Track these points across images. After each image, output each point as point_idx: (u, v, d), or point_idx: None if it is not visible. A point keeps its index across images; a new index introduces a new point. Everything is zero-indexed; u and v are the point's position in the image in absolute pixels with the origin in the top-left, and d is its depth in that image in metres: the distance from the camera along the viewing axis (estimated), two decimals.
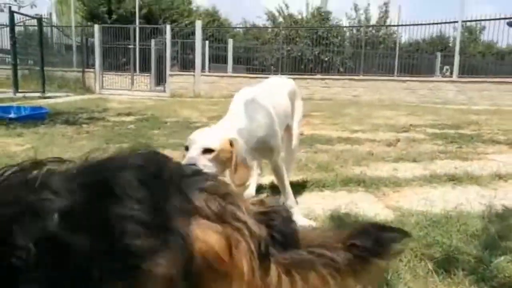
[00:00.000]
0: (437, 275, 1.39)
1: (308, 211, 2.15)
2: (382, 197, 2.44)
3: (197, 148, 1.64)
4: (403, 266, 1.45)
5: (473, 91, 11.86)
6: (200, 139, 1.67)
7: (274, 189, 2.59)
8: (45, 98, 10.43)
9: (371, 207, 2.23)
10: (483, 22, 20.58)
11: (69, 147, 3.97)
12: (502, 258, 1.47)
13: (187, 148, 1.67)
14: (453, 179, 2.80)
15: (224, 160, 1.66)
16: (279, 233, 0.65)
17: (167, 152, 3.89)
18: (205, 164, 1.59)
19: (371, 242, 0.69)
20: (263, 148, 1.88)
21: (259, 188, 2.59)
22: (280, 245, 0.64)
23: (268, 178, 2.83)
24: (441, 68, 18.49)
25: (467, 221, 1.86)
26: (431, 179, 2.81)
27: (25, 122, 5.48)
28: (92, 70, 15.02)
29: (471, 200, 2.33)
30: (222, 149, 1.66)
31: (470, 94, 11.86)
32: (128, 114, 7.26)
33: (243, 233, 0.60)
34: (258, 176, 2.62)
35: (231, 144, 1.69)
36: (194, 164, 1.53)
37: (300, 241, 0.68)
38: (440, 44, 23.28)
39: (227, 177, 1.78)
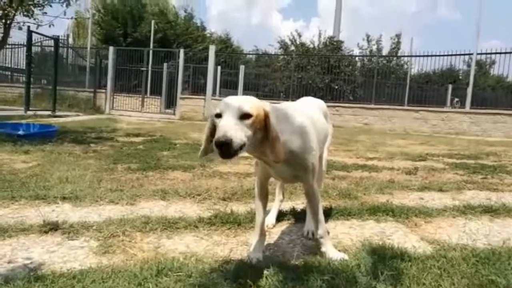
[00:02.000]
0: None
1: (335, 242, 1.94)
2: (415, 228, 2.21)
3: (235, 113, 1.40)
4: None
5: (487, 122, 11.66)
6: (236, 102, 1.43)
7: (296, 216, 2.39)
8: (55, 116, 10.40)
9: (405, 239, 2.01)
10: (493, 57, 20.64)
11: (76, 165, 3.81)
12: None
13: (218, 115, 1.44)
14: (490, 211, 2.57)
15: (256, 129, 1.45)
16: None
17: (177, 173, 3.74)
18: (246, 131, 1.39)
19: None
20: (296, 163, 1.65)
21: (280, 215, 2.38)
22: None
23: (289, 204, 2.62)
24: (452, 100, 18.39)
25: None
26: (465, 210, 2.58)
27: (33, 139, 5.35)
28: (103, 91, 15.10)
29: None
30: (258, 114, 1.45)
31: (484, 125, 11.67)
32: (137, 135, 7.14)
33: None
34: (280, 202, 2.41)
35: (265, 114, 1.48)
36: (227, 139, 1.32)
37: None
38: (450, 77, 23.33)
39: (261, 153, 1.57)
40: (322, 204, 2.57)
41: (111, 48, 15.08)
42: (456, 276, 1.46)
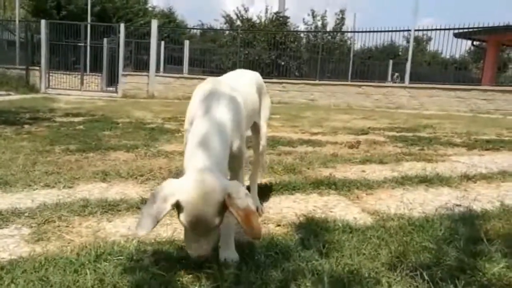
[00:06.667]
0: (436, 286, 1.23)
1: (280, 217, 1.95)
2: (356, 200, 2.29)
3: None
4: (396, 277, 1.28)
5: (424, 96, 12.27)
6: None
7: None
8: None
9: (347, 211, 2.07)
10: (429, 33, 21.65)
11: (6, 148, 3.55)
12: (501, 264, 1.34)
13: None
14: (425, 181, 2.71)
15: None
16: None
17: (119, 154, 3.59)
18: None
19: None
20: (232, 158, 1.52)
21: None
22: None
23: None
24: (392, 75, 19.17)
25: (450, 225, 1.74)
26: (403, 181, 2.71)
27: None
28: (37, 68, 14.11)
29: (447, 202, 2.24)
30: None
31: (421, 99, 12.27)
32: (77, 115, 6.78)
33: None
34: None
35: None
36: None
37: None
38: (391, 53, 24.24)
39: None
40: (267, 179, 2.59)
41: (43, 22, 14.04)
42: (393, 245, 1.52)
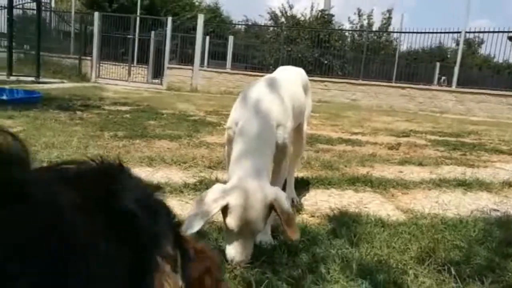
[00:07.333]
0: (462, 282, 1.27)
1: (314, 209, 2.03)
2: (391, 198, 2.32)
3: None
4: (423, 270, 1.33)
5: (471, 102, 11.82)
6: None
7: None
8: (39, 83, 10.21)
9: (381, 208, 2.11)
10: (481, 36, 20.70)
11: (62, 131, 3.81)
12: None
13: None
14: (463, 184, 2.69)
15: None
16: None
17: (163, 142, 3.77)
18: None
19: None
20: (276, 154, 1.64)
21: None
22: None
23: None
24: (439, 78, 18.54)
25: (484, 227, 1.75)
26: (440, 183, 2.70)
27: (17, 105, 5.30)
28: (89, 58, 14.80)
29: (484, 207, 2.22)
30: None
31: (468, 104, 11.83)
32: (124, 104, 7.10)
33: None
34: None
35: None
36: None
37: None
38: (439, 55, 23.40)
39: None
40: (304, 174, 2.66)
41: (96, 14, 14.70)
42: (424, 241, 1.56)
